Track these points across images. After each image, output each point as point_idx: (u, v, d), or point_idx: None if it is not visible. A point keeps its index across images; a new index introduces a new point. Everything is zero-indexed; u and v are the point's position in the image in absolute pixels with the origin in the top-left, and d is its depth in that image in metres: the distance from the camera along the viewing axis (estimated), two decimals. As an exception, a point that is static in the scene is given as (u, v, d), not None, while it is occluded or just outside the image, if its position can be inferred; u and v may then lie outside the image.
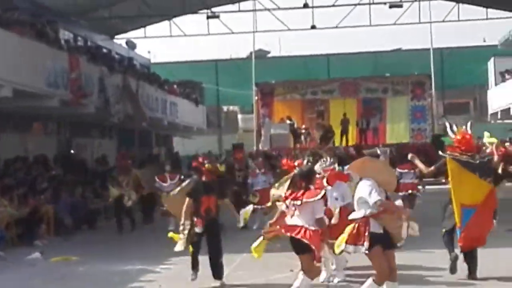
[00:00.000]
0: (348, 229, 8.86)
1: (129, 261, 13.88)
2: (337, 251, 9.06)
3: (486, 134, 11.83)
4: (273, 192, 11.98)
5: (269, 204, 12.48)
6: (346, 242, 8.77)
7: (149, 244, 17.22)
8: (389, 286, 8.83)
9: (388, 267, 8.72)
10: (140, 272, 12.78)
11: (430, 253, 12.85)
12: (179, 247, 11.48)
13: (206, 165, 11.76)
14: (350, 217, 8.93)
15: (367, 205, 8.65)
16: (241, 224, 11.70)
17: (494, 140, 11.55)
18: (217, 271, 11.34)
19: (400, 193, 17.96)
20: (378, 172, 8.92)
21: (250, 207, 12.07)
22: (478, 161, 10.77)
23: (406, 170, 18.03)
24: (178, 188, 12.05)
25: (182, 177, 18.41)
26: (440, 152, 11.37)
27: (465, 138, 10.84)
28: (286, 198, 9.57)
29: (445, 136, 11.43)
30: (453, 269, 10.84)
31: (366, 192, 8.69)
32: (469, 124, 11.29)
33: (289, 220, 9.43)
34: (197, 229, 11.18)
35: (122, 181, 19.64)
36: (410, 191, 17.91)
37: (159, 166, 21.74)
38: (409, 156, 11.82)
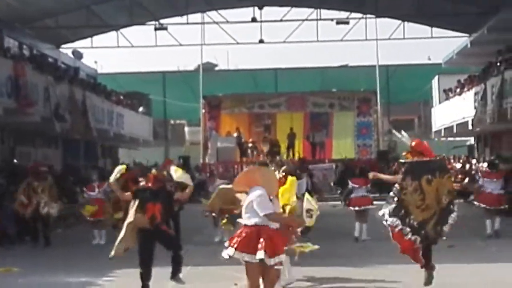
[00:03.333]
0: (238, 235, 8.84)
1: (73, 273, 13.69)
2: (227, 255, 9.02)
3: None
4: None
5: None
6: (237, 249, 8.73)
7: (94, 256, 17.03)
8: None
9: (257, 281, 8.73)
10: (83, 285, 12.61)
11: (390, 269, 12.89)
12: (112, 251, 11.41)
13: (153, 172, 11.75)
14: (241, 221, 8.97)
15: (257, 214, 8.69)
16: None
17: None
18: (176, 265, 11.32)
19: (352, 208, 18.13)
20: (265, 179, 8.97)
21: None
22: (435, 159, 11.10)
23: (357, 185, 18.15)
24: (122, 233, 11.79)
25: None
26: (400, 160, 11.58)
27: (422, 144, 11.11)
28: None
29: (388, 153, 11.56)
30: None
31: (256, 202, 8.69)
32: (404, 134, 11.59)
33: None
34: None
35: (38, 188, 18.90)
36: (362, 207, 18.01)
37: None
38: (371, 175, 12.01)
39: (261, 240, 8.58)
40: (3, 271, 14.35)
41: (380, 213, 11.22)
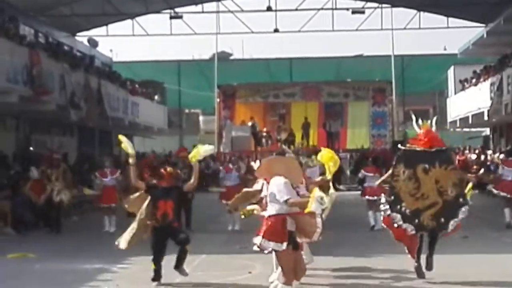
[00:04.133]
0: (264, 224, 8.92)
1: (87, 260, 13.78)
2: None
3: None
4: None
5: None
6: (264, 237, 8.79)
7: (109, 243, 17.10)
8: (295, 286, 8.95)
9: (294, 268, 8.83)
10: (98, 271, 12.68)
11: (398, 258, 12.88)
12: (122, 244, 11.46)
13: (168, 169, 11.75)
14: (264, 213, 9.03)
15: (278, 202, 8.77)
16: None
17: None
18: (181, 257, 11.32)
19: (367, 197, 18.06)
20: (286, 168, 9.06)
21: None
22: (435, 149, 10.87)
23: (371, 174, 18.07)
24: (138, 194, 11.88)
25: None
26: (399, 146, 11.47)
27: (430, 133, 10.98)
28: None
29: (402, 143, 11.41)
30: (419, 274, 10.96)
31: (276, 190, 8.81)
32: (434, 119, 11.45)
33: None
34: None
35: (51, 176, 19.07)
36: (375, 197, 17.94)
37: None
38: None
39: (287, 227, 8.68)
40: (19, 256, 14.47)
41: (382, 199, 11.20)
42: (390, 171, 10.95)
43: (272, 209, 8.89)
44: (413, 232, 10.70)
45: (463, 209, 10.74)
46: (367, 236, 16.83)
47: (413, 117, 11.36)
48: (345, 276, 11.82)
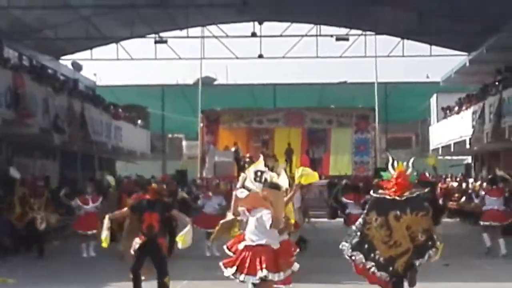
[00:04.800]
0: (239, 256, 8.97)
1: (68, 285, 13.68)
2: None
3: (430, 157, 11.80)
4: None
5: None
6: (237, 270, 8.87)
7: (89, 268, 17.03)
8: None
9: None
10: (79, 297, 12.59)
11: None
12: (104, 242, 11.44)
13: (153, 185, 11.81)
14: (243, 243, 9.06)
15: (262, 234, 8.85)
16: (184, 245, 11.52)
17: (432, 160, 11.51)
18: None
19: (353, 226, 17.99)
20: (274, 201, 9.08)
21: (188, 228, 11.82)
22: (405, 198, 10.72)
23: (351, 201, 18.12)
24: (125, 230, 11.89)
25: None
26: (371, 192, 11.38)
27: (400, 177, 10.90)
28: None
29: (385, 170, 11.39)
30: None
31: (265, 218, 8.88)
32: (411, 160, 11.41)
33: None
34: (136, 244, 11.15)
35: (34, 204, 19.05)
36: None
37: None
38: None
39: (263, 258, 8.74)
40: (-1, 281, 14.36)
41: (340, 246, 10.95)
42: (361, 219, 10.89)
43: (252, 240, 8.90)
44: (388, 279, 10.70)
45: (430, 251, 10.74)
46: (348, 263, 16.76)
47: (390, 159, 11.32)
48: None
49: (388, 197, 10.70)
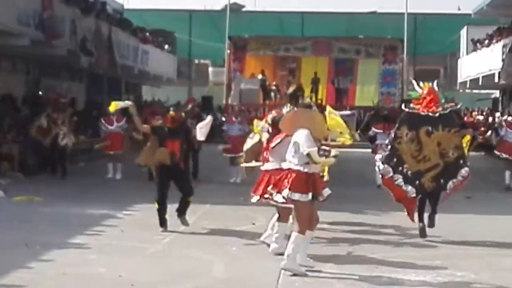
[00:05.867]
0: (286, 176, 8.97)
1: (93, 205, 13.90)
2: (278, 197, 9.14)
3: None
4: (247, 144, 11.79)
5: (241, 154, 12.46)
6: (290, 189, 8.85)
7: (114, 189, 17.28)
8: (309, 235, 9.05)
9: (310, 218, 8.98)
10: (103, 217, 12.80)
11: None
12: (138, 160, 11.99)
13: (171, 112, 11.89)
14: (284, 165, 9.09)
15: (302, 154, 8.81)
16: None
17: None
18: (183, 207, 11.54)
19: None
20: (310, 122, 9.08)
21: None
22: (438, 114, 10.84)
23: (381, 131, 18.00)
24: (147, 145, 11.98)
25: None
26: (403, 107, 11.44)
27: (431, 93, 10.94)
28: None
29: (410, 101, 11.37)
30: (422, 234, 11.05)
31: (301, 141, 8.83)
32: (435, 82, 11.44)
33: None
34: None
35: (57, 119, 19.04)
36: None
37: None
38: None
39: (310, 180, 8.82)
40: (26, 199, 14.61)
41: (376, 157, 11.25)
42: (392, 133, 10.95)
43: (293, 162, 8.94)
44: (414, 195, 10.77)
45: (463, 171, 10.78)
46: (373, 193, 16.87)
47: (414, 82, 11.32)
48: (348, 230, 11.93)
49: (422, 113, 10.75)
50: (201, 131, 11.68)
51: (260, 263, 9.40)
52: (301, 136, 8.86)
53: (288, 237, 9.13)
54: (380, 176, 11.09)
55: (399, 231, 11.76)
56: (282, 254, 9.02)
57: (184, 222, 11.61)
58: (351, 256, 9.96)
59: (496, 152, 18.70)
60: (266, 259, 9.50)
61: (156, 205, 11.45)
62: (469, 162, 11.07)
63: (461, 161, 10.82)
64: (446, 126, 10.74)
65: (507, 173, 18.15)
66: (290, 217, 9.62)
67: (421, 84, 11.18)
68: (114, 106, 12.10)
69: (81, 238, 10.81)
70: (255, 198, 10.16)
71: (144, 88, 44.52)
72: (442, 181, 10.74)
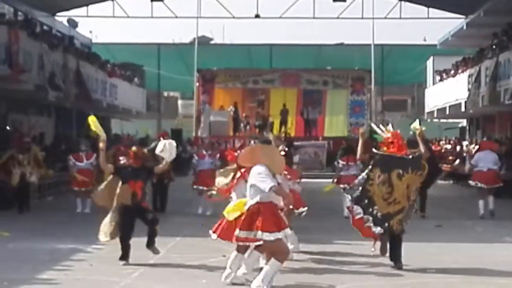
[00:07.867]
0: (253, 215, 9.03)
1: (61, 240, 13.77)
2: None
3: (415, 123, 11.88)
4: (219, 180, 11.86)
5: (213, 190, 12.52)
6: (263, 231, 8.90)
7: (83, 223, 17.11)
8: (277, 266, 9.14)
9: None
10: (71, 251, 12.67)
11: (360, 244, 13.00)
12: (102, 237, 11.59)
13: (133, 148, 11.92)
14: (245, 206, 9.13)
15: (260, 191, 8.88)
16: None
17: (417, 126, 11.61)
18: (151, 237, 11.60)
19: (341, 185, 17.99)
20: (269, 158, 9.15)
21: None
22: (411, 156, 11.04)
23: (351, 163, 17.99)
24: (105, 183, 11.97)
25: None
26: (374, 150, 11.51)
27: (396, 138, 11.06)
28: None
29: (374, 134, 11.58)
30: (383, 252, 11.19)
31: (259, 179, 8.88)
32: (390, 125, 11.60)
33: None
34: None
35: (23, 160, 19.08)
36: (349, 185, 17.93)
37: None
38: None
39: (260, 218, 8.86)
40: (-6, 235, 14.43)
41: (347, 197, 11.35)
42: (364, 174, 11.02)
43: (255, 199, 8.95)
44: (381, 232, 10.87)
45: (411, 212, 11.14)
46: (341, 222, 16.86)
47: (375, 127, 11.52)
48: (316, 260, 11.92)
49: (396, 155, 10.88)
50: (164, 154, 11.66)
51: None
52: (259, 173, 8.92)
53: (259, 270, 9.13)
54: (350, 215, 11.18)
55: (368, 260, 11.76)
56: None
57: (155, 251, 11.62)
58: (320, 287, 9.94)
59: (470, 182, 18.56)
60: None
61: (120, 245, 11.48)
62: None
63: (414, 204, 11.17)
64: (414, 168, 10.92)
65: (481, 202, 18.07)
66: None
67: (382, 127, 11.33)
68: (94, 125, 11.94)
69: (49, 273, 10.69)
70: (214, 236, 10.21)
71: (113, 121, 44.34)
72: (404, 223, 10.95)
